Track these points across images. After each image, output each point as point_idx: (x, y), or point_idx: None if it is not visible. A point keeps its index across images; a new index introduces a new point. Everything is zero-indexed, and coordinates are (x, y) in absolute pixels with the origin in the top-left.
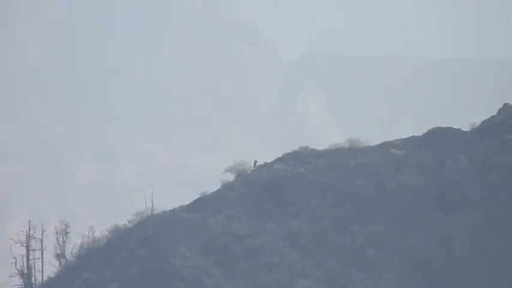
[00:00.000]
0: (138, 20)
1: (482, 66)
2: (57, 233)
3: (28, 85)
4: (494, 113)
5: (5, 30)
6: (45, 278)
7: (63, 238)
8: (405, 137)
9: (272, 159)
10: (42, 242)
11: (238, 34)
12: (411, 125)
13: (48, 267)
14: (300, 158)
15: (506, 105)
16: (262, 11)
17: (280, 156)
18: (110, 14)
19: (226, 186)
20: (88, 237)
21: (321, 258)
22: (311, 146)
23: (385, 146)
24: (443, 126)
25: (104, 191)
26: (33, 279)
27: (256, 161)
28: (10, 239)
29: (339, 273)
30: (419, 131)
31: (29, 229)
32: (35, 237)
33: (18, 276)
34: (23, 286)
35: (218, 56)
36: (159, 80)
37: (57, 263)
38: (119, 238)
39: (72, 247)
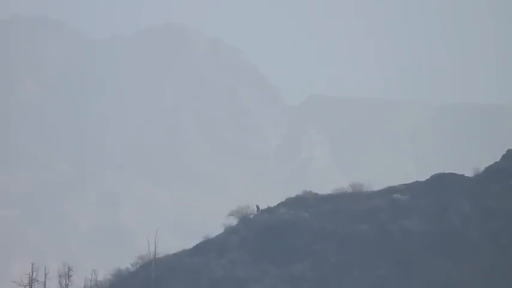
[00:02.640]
0: (141, 64)
1: (485, 112)
2: (60, 276)
3: (30, 128)
4: (498, 158)
5: (7, 73)
6: None
7: (65, 281)
8: (408, 182)
9: (275, 203)
10: (45, 285)
11: (241, 78)
12: (414, 170)
13: None
14: (303, 202)
15: (509, 150)
16: (266, 55)
17: (283, 200)
18: (112, 57)
19: (229, 230)
20: (91, 280)
21: None
22: (314, 191)
23: (388, 191)
24: (447, 171)
25: (107, 234)
26: None
27: (258, 206)
28: (13, 281)
29: None
30: (423, 176)
31: (32, 272)
32: (37, 280)
33: None
34: None
35: (221, 100)
36: (162, 123)
37: None
38: (122, 282)
39: None
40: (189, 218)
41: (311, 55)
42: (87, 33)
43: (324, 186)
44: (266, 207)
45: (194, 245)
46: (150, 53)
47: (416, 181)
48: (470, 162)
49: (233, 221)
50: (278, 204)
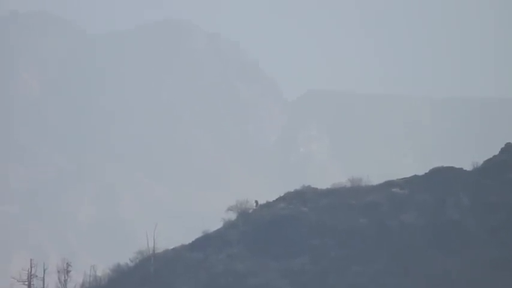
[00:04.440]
0: (141, 58)
1: (484, 106)
2: (58, 272)
3: (29, 123)
4: (497, 152)
5: (7, 68)
6: None
7: (64, 277)
8: (407, 176)
9: (274, 198)
10: (43, 280)
11: (240, 72)
12: (413, 164)
13: None
14: (303, 197)
15: (508, 144)
16: (265, 51)
17: (282, 195)
18: (112, 52)
19: (228, 225)
20: (90, 275)
21: None
22: (313, 185)
23: (387, 185)
24: (445, 165)
25: (106, 229)
26: None
27: (257, 201)
28: (12, 277)
29: None
30: (421, 170)
31: (31, 267)
32: (36, 276)
33: None
34: None
35: (220, 94)
36: (160, 117)
37: None
38: (121, 277)
39: (74, 286)
40: (188, 212)
41: (310, 50)
42: (87, 29)
43: (323, 181)
44: (265, 202)
45: (193, 239)
46: (150, 48)
47: (415, 175)
48: (469, 156)
49: (232, 216)
50: (277, 199)
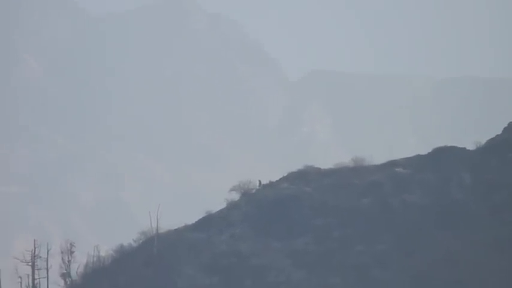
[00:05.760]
0: (143, 39)
1: (486, 85)
2: (62, 252)
3: (31, 104)
4: (499, 131)
5: (9, 50)
6: None
7: (68, 257)
8: (410, 156)
9: (277, 178)
10: (47, 261)
11: (242, 53)
12: (415, 143)
13: (54, 287)
14: (306, 177)
15: (511, 124)
16: (267, 31)
17: (285, 175)
18: (113, 33)
19: (231, 205)
20: (93, 256)
21: (326, 277)
22: (316, 165)
23: (390, 165)
24: (448, 145)
25: (108, 210)
26: None
27: (260, 181)
28: (15, 258)
29: None
30: (423, 150)
31: (34, 248)
32: (40, 257)
33: None
34: None
35: (222, 75)
36: (163, 99)
37: (62, 282)
38: (124, 257)
39: (78, 266)
40: (190, 192)
41: (312, 30)
42: (87, 9)
43: (326, 161)
44: (268, 182)
45: (196, 220)
46: (152, 28)
47: (418, 155)
48: (471, 135)
49: (235, 196)
50: (280, 179)
